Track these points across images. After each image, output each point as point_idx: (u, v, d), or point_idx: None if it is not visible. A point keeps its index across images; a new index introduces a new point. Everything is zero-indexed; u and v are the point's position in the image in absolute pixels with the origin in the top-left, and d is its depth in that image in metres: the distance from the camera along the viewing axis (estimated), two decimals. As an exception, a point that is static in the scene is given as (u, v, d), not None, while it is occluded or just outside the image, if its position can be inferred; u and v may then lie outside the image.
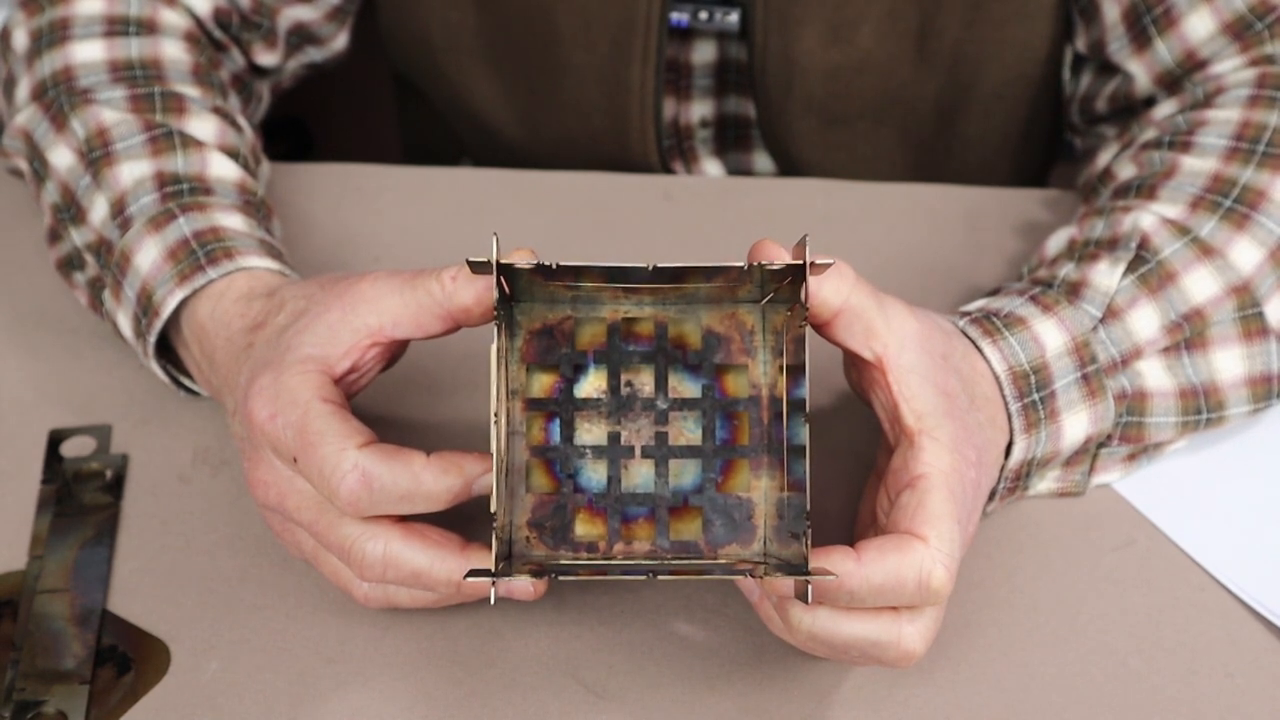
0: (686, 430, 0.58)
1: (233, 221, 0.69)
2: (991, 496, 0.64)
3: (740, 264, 0.53)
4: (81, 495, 0.67)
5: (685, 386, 0.58)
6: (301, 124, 1.37)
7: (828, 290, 0.55)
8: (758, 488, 0.57)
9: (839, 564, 0.52)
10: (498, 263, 0.52)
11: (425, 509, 0.57)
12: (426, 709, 0.59)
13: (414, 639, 0.62)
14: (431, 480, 0.56)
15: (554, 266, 0.52)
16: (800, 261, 0.52)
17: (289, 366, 0.57)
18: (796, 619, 0.54)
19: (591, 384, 0.58)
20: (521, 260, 0.52)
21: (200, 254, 0.66)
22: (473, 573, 0.51)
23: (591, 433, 0.58)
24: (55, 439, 0.70)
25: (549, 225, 0.82)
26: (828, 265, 0.53)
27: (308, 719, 0.59)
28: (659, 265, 0.52)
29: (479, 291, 0.56)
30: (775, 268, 0.53)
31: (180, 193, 0.70)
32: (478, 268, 0.54)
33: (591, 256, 0.59)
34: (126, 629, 0.62)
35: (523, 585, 0.57)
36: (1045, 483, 0.67)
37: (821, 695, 0.60)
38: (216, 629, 0.62)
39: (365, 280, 0.59)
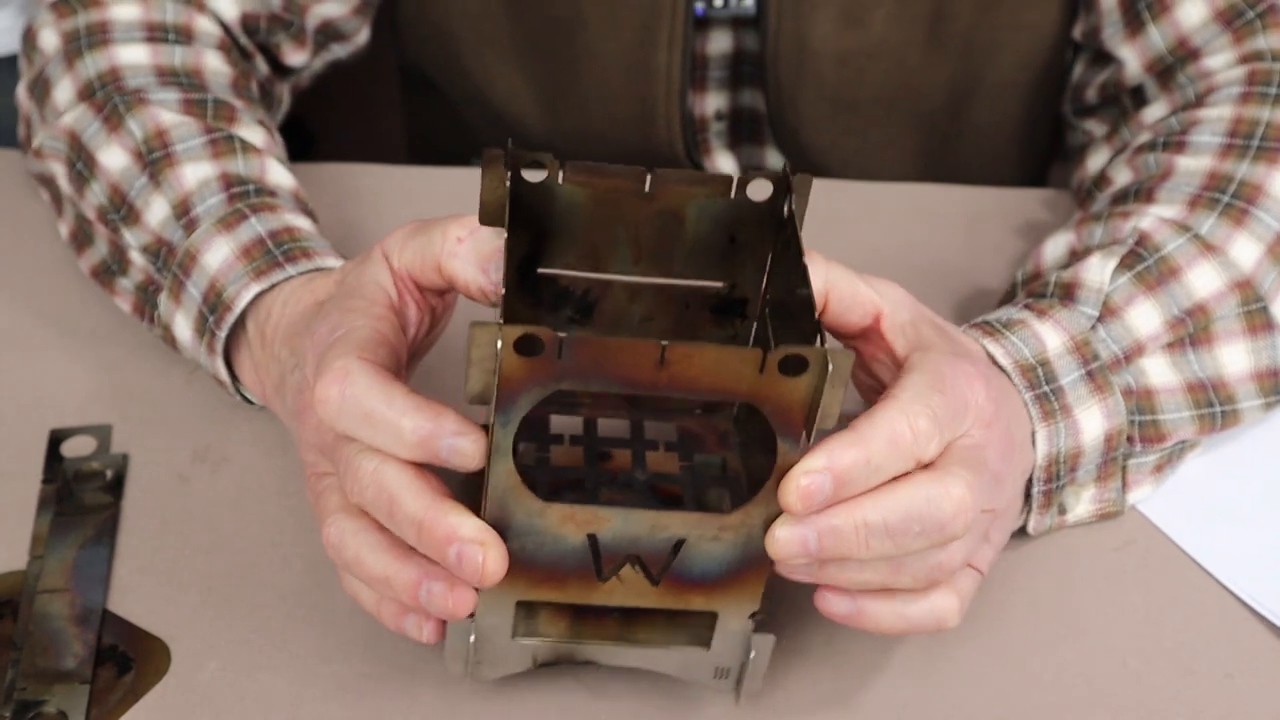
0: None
1: (303, 223, 0.69)
2: (1027, 497, 0.63)
3: (728, 175, 0.55)
4: (81, 495, 0.67)
5: (665, 465, 0.61)
6: (302, 123, 1.37)
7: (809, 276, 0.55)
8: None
9: (838, 448, 0.50)
10: (511, 173, 0.54)
11: (386, 445, 0.51)
12: (426, 709, 0.59)
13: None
14: (401, 411, 0.50)
15: (563, 165, 0.56)
16: (782, 172, 0.55)
17: (354, 311, 0.56)
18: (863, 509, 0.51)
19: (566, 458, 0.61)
20: (533, 174, 0.55)
21: (277, 252, 0.66)
22: (478, 324, 0.47)
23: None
24: (55, 439, 0.70)
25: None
26: (811, 177, 0.54)
27: (308, 719, 0.59)
28: (659, 169, 0.56)
29: (478, 278, 0.55)
30: (758, 179, 0.55)
31: (246, 194, 0.69)
32: (491, 161, 0.54)
33: (593, 255, 0.59)
34: (126, 629, 0.62)
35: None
36: (1083, 504, 0.66)
37: (821, 694, 0.60)
38: (216, 629, 0.62)
39: (399, 229, 0.58)
